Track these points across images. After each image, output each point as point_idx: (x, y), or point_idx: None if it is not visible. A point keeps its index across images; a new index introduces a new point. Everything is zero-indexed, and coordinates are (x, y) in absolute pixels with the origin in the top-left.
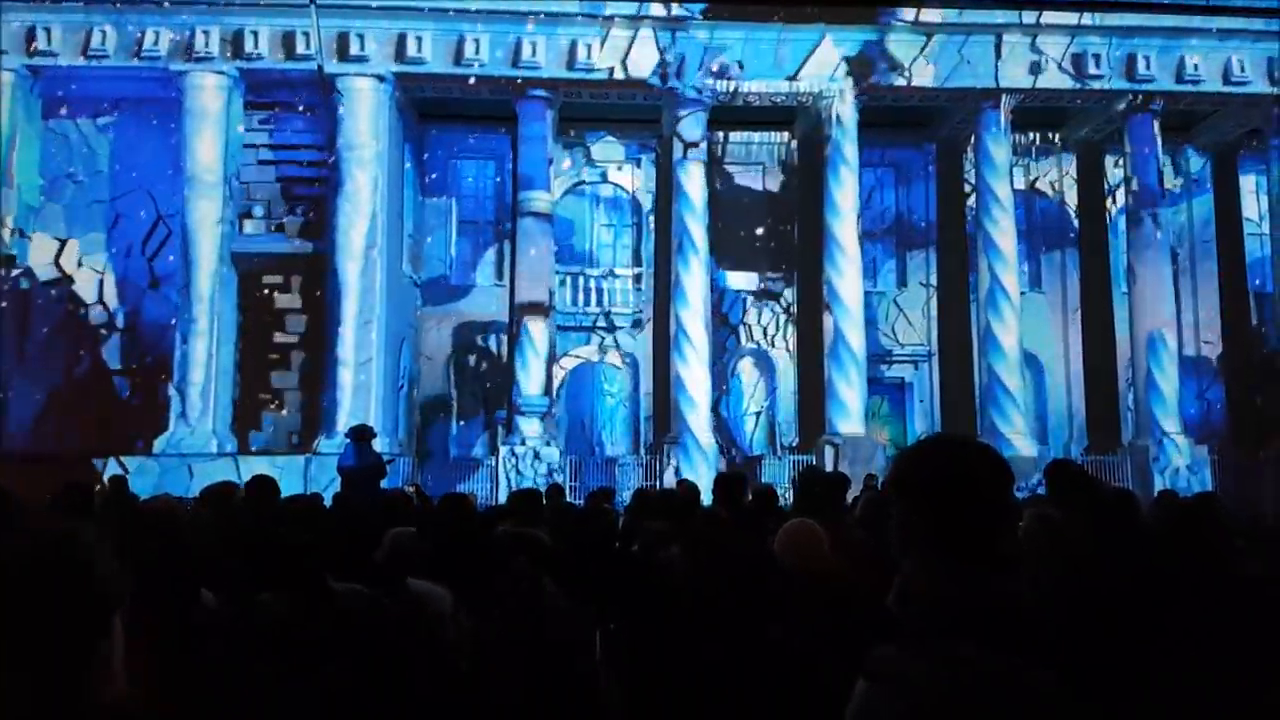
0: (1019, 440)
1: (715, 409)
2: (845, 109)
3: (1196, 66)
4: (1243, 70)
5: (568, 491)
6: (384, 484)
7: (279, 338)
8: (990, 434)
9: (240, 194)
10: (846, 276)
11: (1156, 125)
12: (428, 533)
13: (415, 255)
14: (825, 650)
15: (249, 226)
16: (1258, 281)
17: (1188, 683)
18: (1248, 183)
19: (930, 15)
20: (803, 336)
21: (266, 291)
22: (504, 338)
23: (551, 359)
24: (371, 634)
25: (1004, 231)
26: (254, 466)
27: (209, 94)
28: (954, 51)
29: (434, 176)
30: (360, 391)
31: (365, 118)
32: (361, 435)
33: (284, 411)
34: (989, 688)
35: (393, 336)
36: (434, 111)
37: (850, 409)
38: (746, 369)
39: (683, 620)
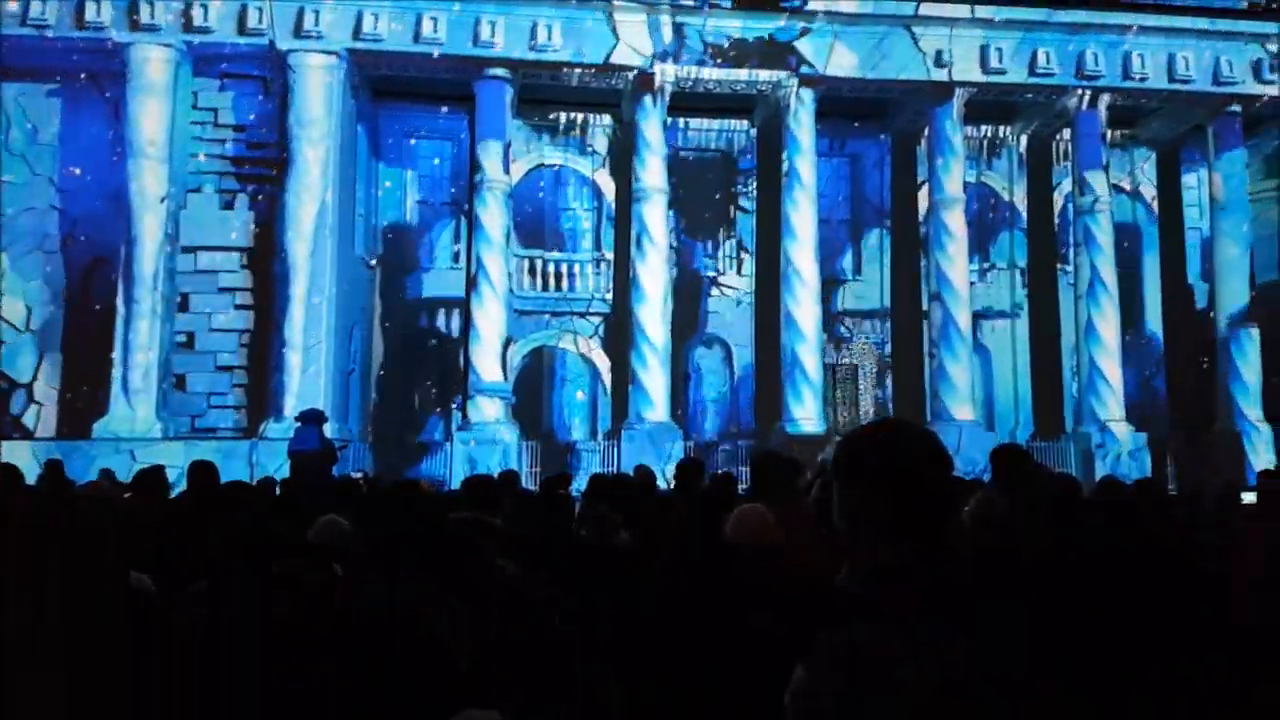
0: (966, 422)
1: (675, 394)
2: (802, 99)
3: (1143, 63)
4: (1187, 68)
5: (526, 478)
6: (335, 470)
7: (226, 319)
8: (939, 418)
9: (187, 170)
10: (803, 263)
11: (1104, 120)
12: (374, 520)
13: (369, 236)
14: (778, 632)
15: (196, 204)
16: (1198, 272)
17: (1129, 663)
18: (1190, 179)
19: (886, 8)
20: (760, 322)
21: (215, 269)
22: (461, 321)
23: (509, 343)
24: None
25: (955, 221)
26: (197, 451)
27: (155, 67)
28: (908, 45)
29: (389, 156)
30: (309, 375)
31: (318, 95)
32: (311, 419)
33: (230, 394)
34: (945, 668)
35: (344, 319)
36: (390, 90)
37: (806, 393)
38: (706, 355)
39: (642, 606)
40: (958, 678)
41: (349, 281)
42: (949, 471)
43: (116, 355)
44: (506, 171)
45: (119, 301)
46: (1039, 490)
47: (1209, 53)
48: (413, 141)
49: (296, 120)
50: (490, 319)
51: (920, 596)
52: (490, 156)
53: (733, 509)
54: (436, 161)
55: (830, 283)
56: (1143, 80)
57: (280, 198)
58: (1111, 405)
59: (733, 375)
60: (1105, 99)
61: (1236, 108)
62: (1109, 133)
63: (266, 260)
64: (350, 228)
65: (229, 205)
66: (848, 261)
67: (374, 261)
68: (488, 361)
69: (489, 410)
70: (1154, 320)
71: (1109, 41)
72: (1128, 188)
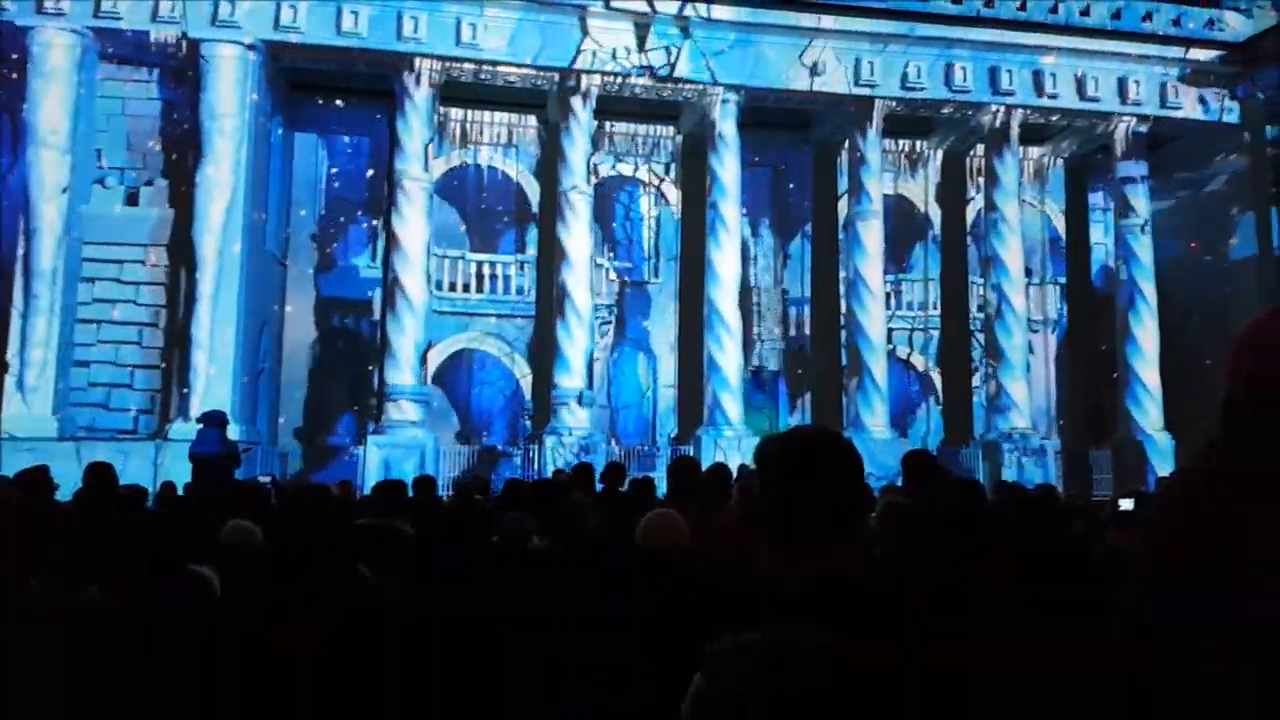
0: (879, 431)
1: (597, 399)
2: (726, 107)
3: (1055, 82)
4: (1096, 88)
5: (446, 483)
6: (242, 473)
7: (131, 316)
8: (855, 425)
9: (91, 161)
10: (726, 269)
11: (1015, 136)
12: (278, 525)
13: (282, 233)
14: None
15: (100, 196)
16: (1100, 285)
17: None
18: (1096, 198)
19: (807, 20)
20: (684, 328)
21: (119, 264)
22: (376, 321)
23: (428, 344)
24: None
25: (872, 230)
26: (98, 451)
27: (59, 52)
28: (833, 58)
29: (306, 151)
30: (217, 375)
31: (231, 87)
32: (213, 421)
33: (134, 395)
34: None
35: (254, 317)
36: (308, 84)
37: (727, 402)
38: (628, 359)
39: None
40: (876, 679)
41: (260, 279)
42: (862, 475)
43: (13, 352)
44: (427, 169)
45: (16, 296)
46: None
47: (1116, 75)
48: (331, 136)
49: (208, 112)
50: (408, 320)
51: (841, 597)
52: (411, 153)
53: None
54: (355, 157)
55: (753, 289)
56: (1054, 98)
57: (189, 192)
58: (1016, 415)
59: (656, 380)
60: (1018, 116)
61: (1143, 128)
62: (1020, 148)
63: (174, 256)
64: (262, 224)
65: (135, 199)
66: (769, 268)
67: (286, 259)
68: (405, 363)
69: (406, 413)
70: (1057, 328)
71: (1023, 60)
72: (1036, 202)
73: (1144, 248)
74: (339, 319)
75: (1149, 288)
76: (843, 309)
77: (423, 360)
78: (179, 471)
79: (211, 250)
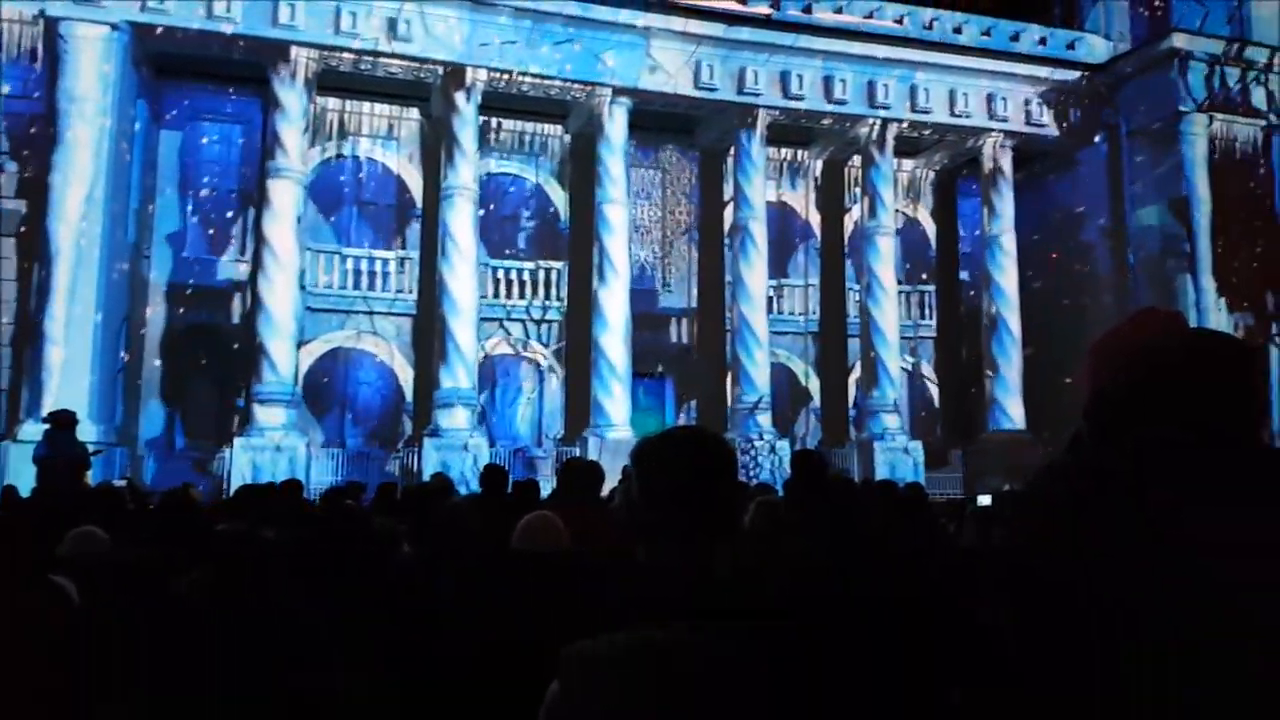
0: (765, 434)
1: (481, 400)
2: (615, 109)
3: (928, 97)
4: (966, 104)
5: (318, 487)
6: (95, 476)
7: None
8: (741, 426)
9: None
10: (614, 272)
11: (890, 148)
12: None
13: (145, 224)
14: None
15: None
16: (971, 294)
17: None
18: (965, 209)
19: (694, 27)
20: (571, 331)
21: None
22: (246, 318)
23: (299, 343)
24: None
25: (757, 236)
26: None
27: None
28: (720, 66)
29: (174, 138)
30: (71, 372)
31: (92, 69)
32: (61, 422)
33: None
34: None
35: (114, 312)
36: (177, 68)
37: (614, 403)
38: (514, 361)
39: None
40: (744, 678)
41: (121, 272)
42: (734, 474)
43: None
44: (302, 160)
45: None
46: (822, 490)
47: (986, 91)
48: (201, 123)
49: (66, 95)
50: (280, 316)
51: (711, 596)
52: (285, 143)
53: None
54: (226, 147)
55: (640, 291)
56: (927, 113)
57: (43, 180)
58: (888, 417)
59: (543, 381)
60: (893, 129)
61: (1009, 143)
62: (895, 160)
63: (27, 247)
64: (125, 212)
65: None
66: (658, 271)
67: (150, 252)
68: (275, 362)
69: (276, 414)
70: (927, 335)
71: (899, 75)
72: (910, 212)
73: (1009, 259)
74: (208, 315)
75: (1013, 298)
76: (728, 313)
77: (295, 358)
78: (29, 475)
79: (68, 240)
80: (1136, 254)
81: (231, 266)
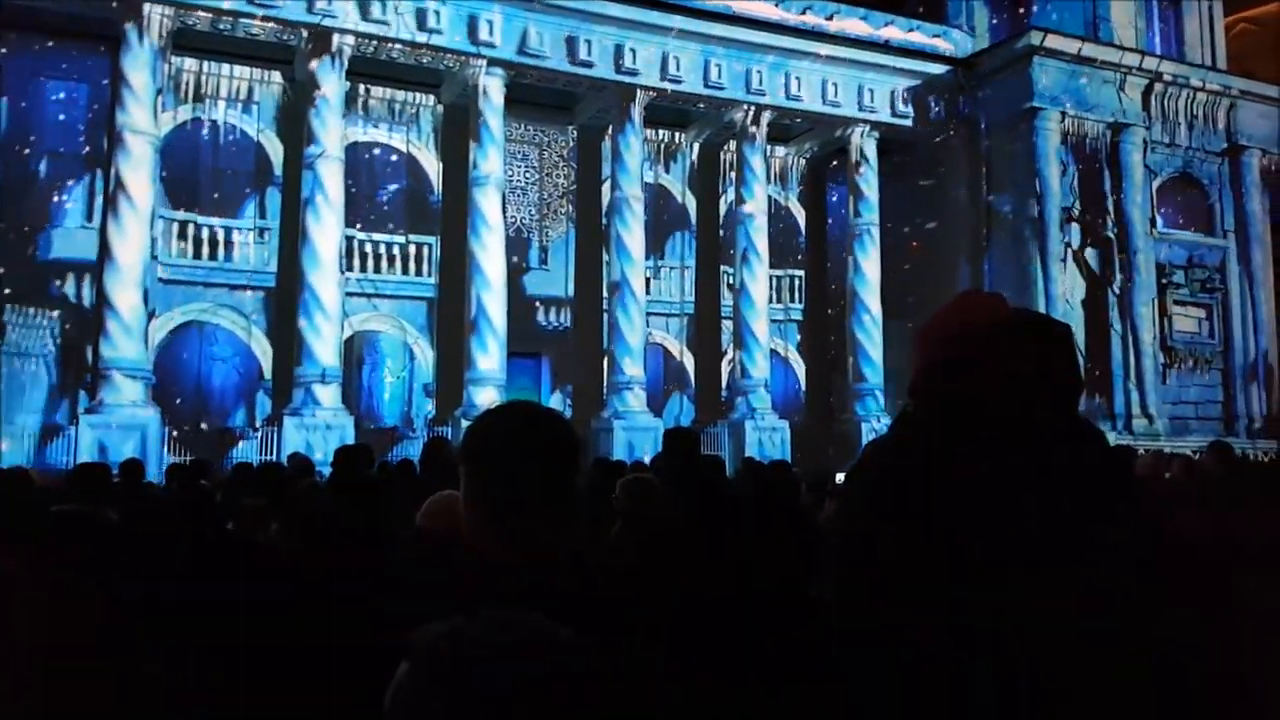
0: (640, 414)
1: (348, 379)
2: (490, 80)
3: (800, 86)
4: (836, 94)
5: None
6: None
7: None
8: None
9: None
10: (489, 249)
11: (764, 134)
12: None
13: None
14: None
15: None
16: (834, 286)
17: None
18: (834, 197)
19: (576, 2)
20: (444, 305)
21: None
22: (93, 289)
23: (152, 315)
24: None
25: (633, 217)
26: None
27: None
28: (599, 42)
29: (13, 97)
30: None
31: None
32: None
33: None
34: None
35: None
36: (14, 22)
37: (488, 383)
38: (385, 337)
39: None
40: (596, 662)
41: None
42: (578, 452)
43: None
44: (154, 122)
45: None
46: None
47: (856, 82)
48: (43, 81)
49: None
50: (128, 287)
51: (557, 576)
52: (135, 104)
53: (410, 498)
54: (69, 105)
55: (517, 270)
56: (799, 101)
57: None
58: (757, 398)
59: (413, 360)
60: (767, 115)
61: (876, 134)
62: (768, 146)
63: None
64: None
65: None
66: (535, 251)
67: None
68: (123, 334)
69: (125, 391)
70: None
71: (774, 63)
72: (781, 199)
73: (873, 245)
74: (51, 285)
75: (875, 282)
76: (605, 294)
77: (145, 332)
78: None
79: None
80: (993, 242)
81: (78, 234)
